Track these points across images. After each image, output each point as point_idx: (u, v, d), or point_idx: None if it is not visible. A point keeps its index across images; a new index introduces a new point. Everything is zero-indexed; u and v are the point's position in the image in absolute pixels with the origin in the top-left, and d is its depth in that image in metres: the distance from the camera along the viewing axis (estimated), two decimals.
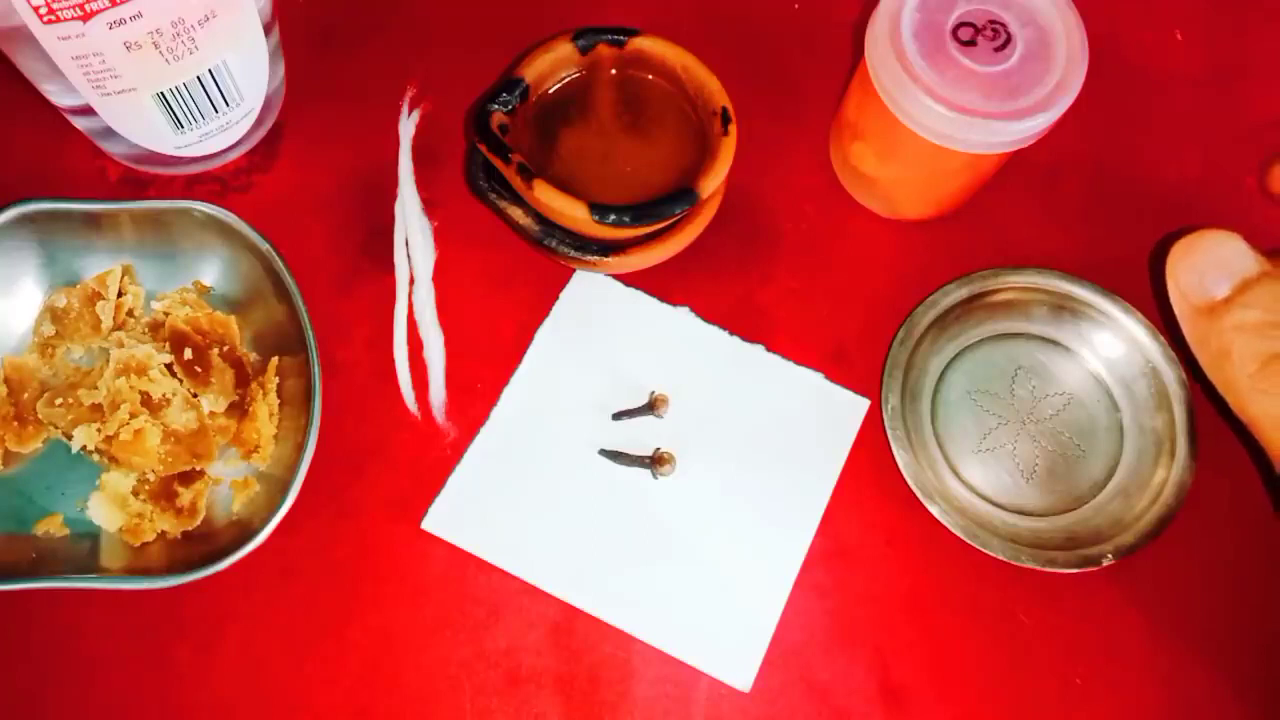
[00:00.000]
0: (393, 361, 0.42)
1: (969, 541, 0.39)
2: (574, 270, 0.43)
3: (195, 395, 0.39)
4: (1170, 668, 0.39)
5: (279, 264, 0.40)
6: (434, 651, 0.38)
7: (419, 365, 0.42)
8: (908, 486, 0.40)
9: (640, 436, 0.41)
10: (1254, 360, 0.34)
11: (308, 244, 0.43)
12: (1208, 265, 0.36)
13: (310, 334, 0.39)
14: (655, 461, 0.40)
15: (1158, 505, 0.39)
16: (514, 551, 0.39)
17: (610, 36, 0.41)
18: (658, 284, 0.43)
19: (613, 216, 0.38)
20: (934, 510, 0.39)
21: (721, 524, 0.40)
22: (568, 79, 0.42)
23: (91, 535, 0.38)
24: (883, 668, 0.39)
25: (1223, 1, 0.50)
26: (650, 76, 0.42)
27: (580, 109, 0.42)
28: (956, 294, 0.42)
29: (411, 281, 0.43)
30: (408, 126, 0.45)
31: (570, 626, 0.39)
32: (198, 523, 0.39)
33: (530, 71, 0.40)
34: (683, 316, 0.43)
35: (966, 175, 0.41)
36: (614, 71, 0.42)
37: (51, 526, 0.38)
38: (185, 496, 0.39)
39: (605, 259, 0.40)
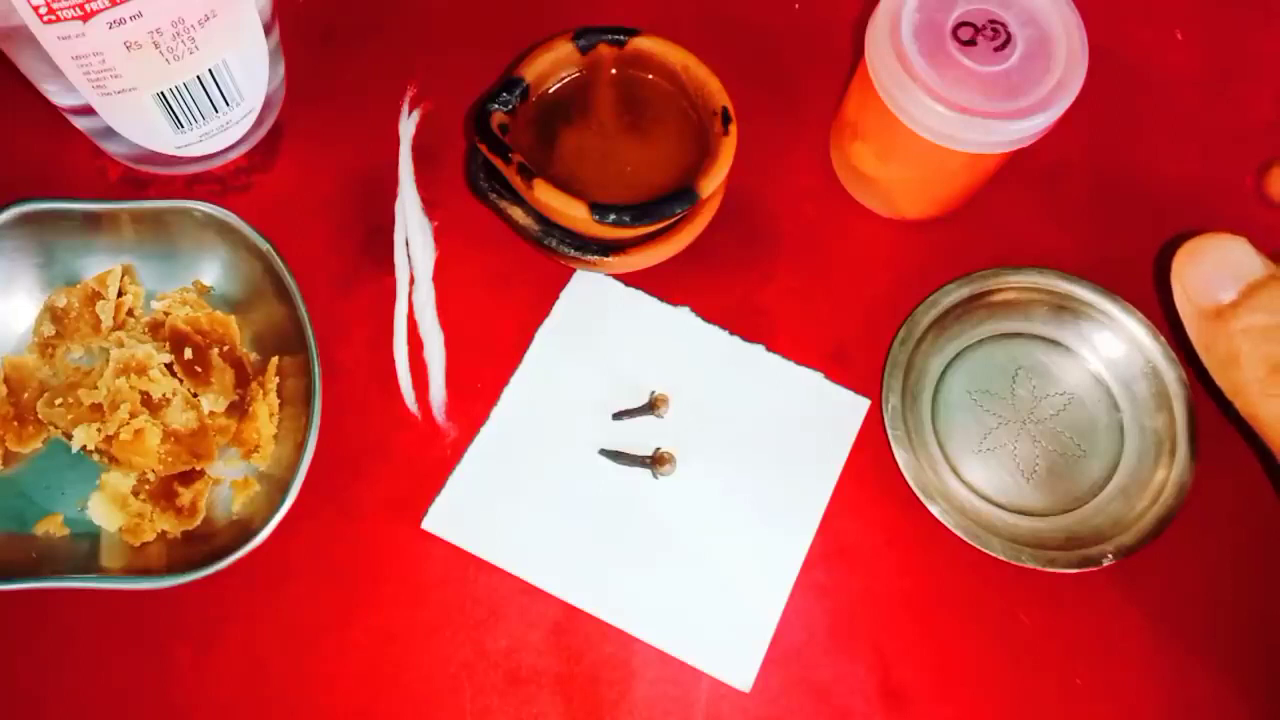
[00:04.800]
0: (393, 361, 0.42)
1: (969, 541, 0.39)
2: (574, 270, 0.43)
3: (195, 395, 0.39)
4: (1170, 668, 0.39)
5: (279, 264, 0.40)
6: (434, 651, 0.38)
7: (419, 365, 0.42)
8: (908, 486, 0.40)
9: (640, 436, 0.41)
10: (1263, 364, 0.34)
11: (308, 244, 0.43)
12: (1213, 269, 0.36)
13: (310, 334, 0.39)
14: (655, 461, 0.40)
15: (1158, 505, 0.39)
16: (514, 551, 0.39)
17: (610, 36, 0.41)
18: (658, 284, 0.43)
19: (613, 216, 0.38)
20: (934, 510, 0.39)
21: (721, 524, 0.40)
22: (568, 79, 0.42)
23: (91, 535, 0.38)
24: (883, 668, 0.39)
25: (1223, 1, 0.50)
26: (650, 76, 0.42)
27: (580, 109, 0.42)
28: (956, 294, 0.42)
29: (411, 281, 0.43)
30: (408, 126, 0.45)
31: (570, 626, 0.39)
32: (198, 523, 0.39)
33: (530, 71, 0.40)
34: (683, 316, 0.43)
35: (966, 175, 0.41)
36: (614, 71, 0.42)
37: (51, 526, 0.38)
38: (185, 496, 0.39)
39: (605, 259, 0.40)
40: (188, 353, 0.39)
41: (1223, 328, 0.35)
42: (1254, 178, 0.46)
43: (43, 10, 0.33)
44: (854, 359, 0.42)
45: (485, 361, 0.42)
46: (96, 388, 0.38)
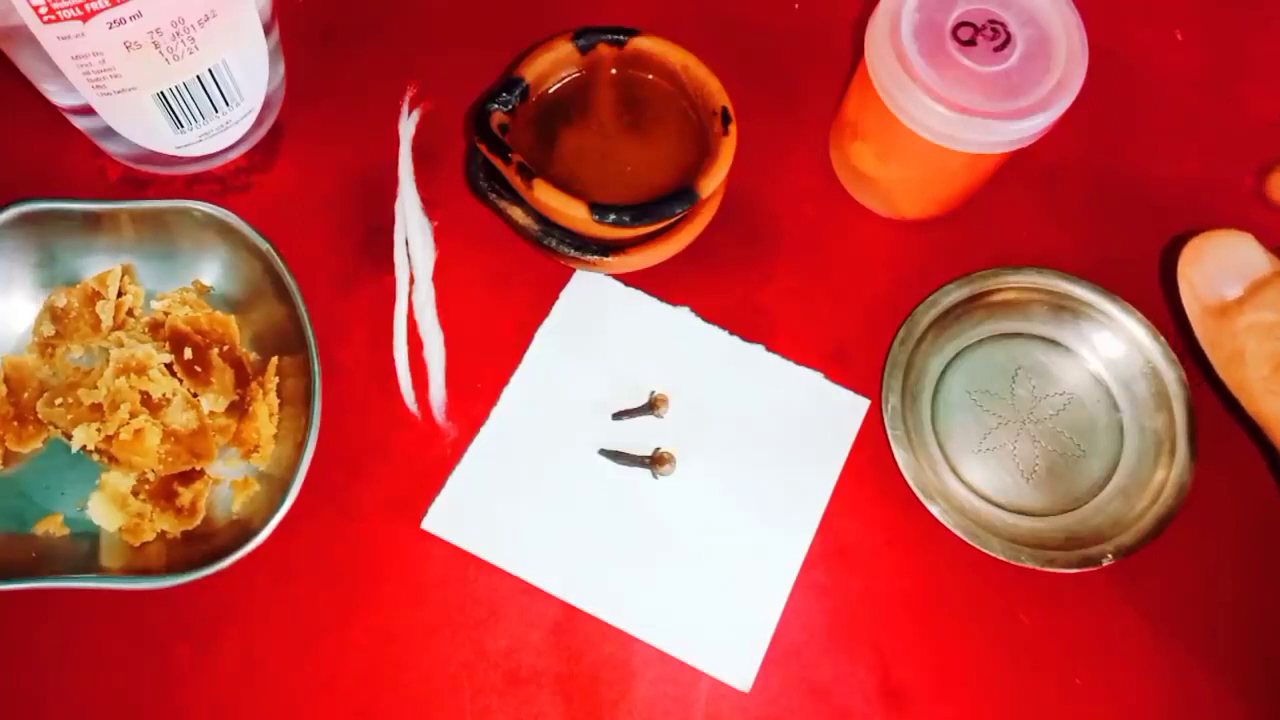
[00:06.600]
0: (393, 361, 0.42)
1: (969, 541, 0.39)
2: (574, 270, 0.43)
3: (195, 395, 0.39)
4: (1170, 668, 0.39)
5: (279, 264, 0.40)
6: (434, 651, 0.38)
7: (419, 365, 0.42)
8: (908, 486, 0.40)
9: (640, 436, 0.41)
10: (1267, 362, 0.34)
11: (308, 244, 0.43)
12: (1219, 266, 0.36)
13: (310, 334, 0.39)
14: (655, 461, 0.40)
15: (1158, 505, 0.39)
16: (514, 551, 0.39)
17: (610, 36, 0.41)
18: (658, 284, 0.43)
19: (613, 216, 0.38)
20: (934, 510, 0.39)
21: (721, 524, 0.40)
22: (568, 79, 0.42)
23: (91, 535, 0.38)
24: (883, 668, 0.39)
25: (1223, 1, 0.50)
26: (650, 76, 0.42)
27: (580, 109, 0.42)
28: (956, 294, 0.42)
29: (411, 281, 0.43)
30: (408, 126, 0.45)
31: (570, 626, 0.39)
32: (197, 522, 0.39)
33: (530, 71, 0.40)
34: (683, 316, 0.43)
35: (966, 175, 0.41)
36: (614, 71, 0.42)
37: (51, 526, 0.38)
38: (185, 496, 0.39)
39: (605, 259, 0.40)
40: (188, 353, 0.39)
41: (1228, 325, 0.35)
42: (1254, 178, 0.46)
43: (43, 10, 0.33)
44: (854, 359, 0.42)
45: (485, 361, 0.42)
46: (96, 388, 0.38)
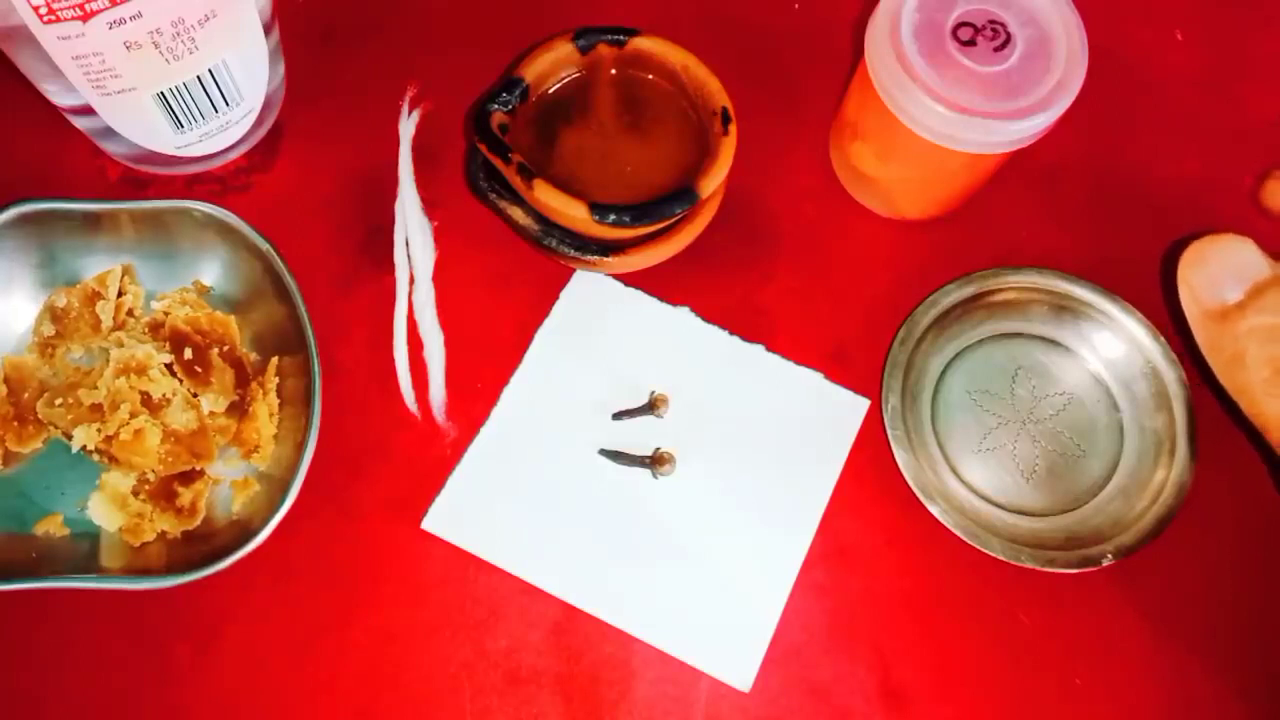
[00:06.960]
0: (393, 361, 0.42)
1: (969, 541, 0.39)
2: (574, 270, 0.43)
3: (195, 395, 0.39)
4: (1170, 668, 0.39)
5: (279, 264, 0.40)
6: (434, 651, 0.38)
7: (419, 365, 0.42)
8: (908, 486, 0.40)
9: (640, 436, 0.41)
10: (1268, 365, 0.34)
11: (308, 244, 0.43)
12: (1220, 269, 0.36)
13: (310, 334, 0.39)
14: (655, 461, 0.40)
15: (1158, 505, 0.39)
16: (514, 551, 0.39)
17: (610, 36, 0.41)
18: (658, 284, 0.43)
19: (613, 216, 0.38)
20: (934, 510, 0.39)
21: (721, 524, 0.40)
22: (568, 79, 0.42)
23: (91, 535, 0.38)
24: (883, 668, 0.39)
25: (1223, 1, 0.50)
26: (650, 76, 0.42)
27: (580, 109, 0.42)
28: (956, 294, 0.42)
29: (411, 281, 0.43)
30: (408, 126, 0.45)
31: (570, 626, 0.39)
32: (198, 523, 0.39)
33: (530, 71, 0.40)
34: (683, 316, 0.43)
35: (966, 175, 0.41)
36: (614, 71, 0.42)
37: (51, 526, 0.38)
38: (185, 496, 0.39)
39: (605, 259, 0.40)
40: (188, 353, 0.39)
41: (1228, 329, 0.35)
42: (1253, 180, 0.46)
43: (43, 10, 0.33)
44: (854, 359, 0.42)
45: (485, 361, 0.42)
46: (96, 388, 0.38)
